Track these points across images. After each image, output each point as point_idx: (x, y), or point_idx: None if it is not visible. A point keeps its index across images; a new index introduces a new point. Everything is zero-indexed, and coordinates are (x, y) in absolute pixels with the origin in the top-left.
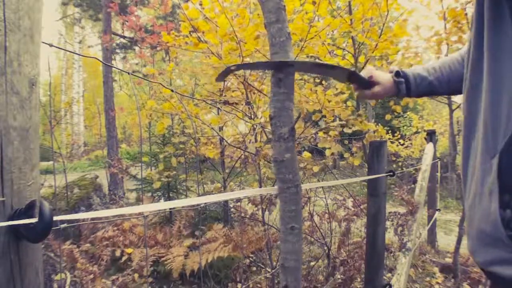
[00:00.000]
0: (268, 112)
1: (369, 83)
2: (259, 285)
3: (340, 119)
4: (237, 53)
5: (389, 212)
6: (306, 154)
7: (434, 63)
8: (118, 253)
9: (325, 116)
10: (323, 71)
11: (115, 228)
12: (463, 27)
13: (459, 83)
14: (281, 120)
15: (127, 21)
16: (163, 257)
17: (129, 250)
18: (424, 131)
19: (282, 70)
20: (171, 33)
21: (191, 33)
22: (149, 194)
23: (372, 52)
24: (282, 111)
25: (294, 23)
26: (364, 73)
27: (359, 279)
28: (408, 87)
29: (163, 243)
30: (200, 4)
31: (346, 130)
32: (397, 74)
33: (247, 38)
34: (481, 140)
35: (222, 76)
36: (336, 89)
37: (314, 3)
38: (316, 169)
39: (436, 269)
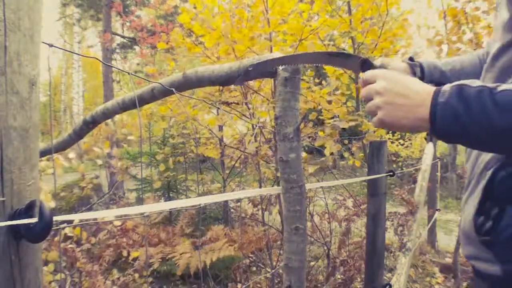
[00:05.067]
0: (264, 113)
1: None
2: (259, 285)
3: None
4: (232, 55)
5: (389, 212)
6: (304, 155)
7: (447, 58)
8: (124, 253)
9: (321, 113)
10: (338, 61)
11: (118, 227)
12: (463, 27)
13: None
14: (286, 120)
15: (127, 22)
16: (170, 254)
17: (135, 254)
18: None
19: (288, 68)
20: (169, 34)
21: (189, 35)
22: (149, 194)
23: (372, 52)
24: (287, 111)
25: (290, 23)
26: (376, 63)
27: (359, 279)
28: (422, 71)
29: (166, 241)
30: (195, 7)
31: (343, 125)
32: (411, 59)
33: (243, 40)
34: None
35: (241, 81)
36: (337, 89)
37: (312, 2)
38: (312, 169)
39: (436, 269)
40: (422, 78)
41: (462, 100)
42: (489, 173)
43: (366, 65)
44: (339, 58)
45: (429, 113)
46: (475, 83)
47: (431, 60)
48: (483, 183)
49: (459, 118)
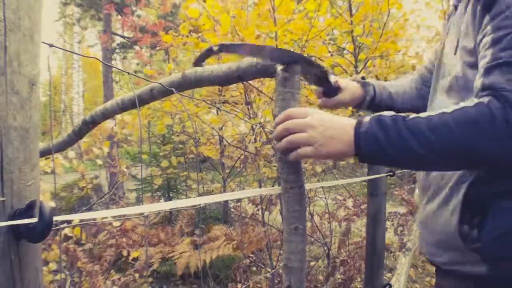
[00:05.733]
0: (268, 112)
1: (335, 90)
2: (259, 285)
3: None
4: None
5: (389, 212)
6: None
7: (391, 81)
8: (125, 253)
9: None
10: (304, 67)
11: (118, 227)
12: None
13: (412, 103)
14: None
15: (123, 22)
16: (169, 253)
17: (135, 254)
18: None
19: (288, 68)
20: (169, 32)
21: (191, 33)
22: (149, 194)
23: (373, 52)
24: None
25: (295, 23)
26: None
27: (359, 279)
28: (374, 91)
29: (166, 241)
30: (204, 1)
31: None
32: (363, 78)
33: (248, 37)
34: None
35: (202, 58)
36: None
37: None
38: (319, 169)
39: None
40: (374, 97)
41: (381, 128)
42: (464, 186)
43: (323, 79)
44: (305, 63)
45: (353, 142)
46: (389, 113)
47: (379, 81)
48: (460, 195)
49: (380, 144)
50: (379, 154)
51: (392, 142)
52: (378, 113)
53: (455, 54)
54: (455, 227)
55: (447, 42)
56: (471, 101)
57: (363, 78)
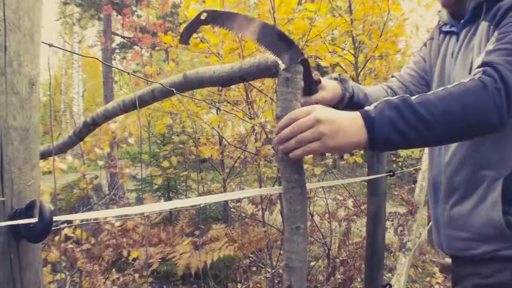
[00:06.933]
0: (268, 112)
1: (315, 86)
2: (259, 285)
3: None
4: (237, 52)
5: (389, 212)
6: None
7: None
8: (125, 253)
9: None
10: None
11: (118, 227)
12: None
13: None
14: None
15: (125, 21)
16: (170, 254)
17: (135, 254)
18: None
19: (290, 68)
20: (168, 33)
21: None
22: (149, 194)
23: (373, 52)
24: (288, 111)
25: (295, 23)
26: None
27: (359, 279)
28: (352, 89)
29: (166, 241)
30: (204, 1)
31: None
32: (340, 75)
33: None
34: (488, 165)
35: (189, 31)
36: None
37: (313, 1)
38: (318, 171)
39: (436, 269)
40: (352, 94)
41: (392, 108)
42: (499, 182)
43: (306, 72)
44: (283, 43)
45: (365, 129)
46: (393, 97)
47: (354, 82)
48: (496, 191)
49: (394, 123)
50: (393, 135)
51: (406, 119)
52: (383, 99)
53: (469, 73)
54: (500, 219)
55: (450, 63)
56: (468, 78)
57: (339, 75)
